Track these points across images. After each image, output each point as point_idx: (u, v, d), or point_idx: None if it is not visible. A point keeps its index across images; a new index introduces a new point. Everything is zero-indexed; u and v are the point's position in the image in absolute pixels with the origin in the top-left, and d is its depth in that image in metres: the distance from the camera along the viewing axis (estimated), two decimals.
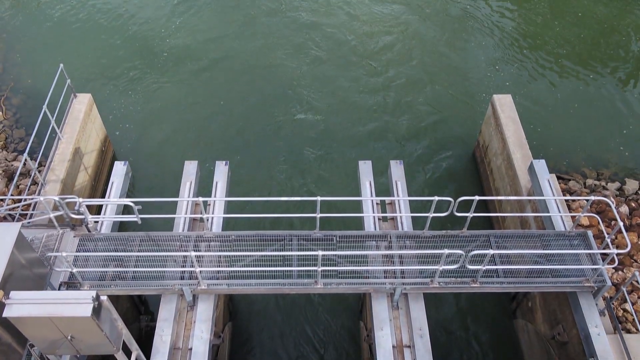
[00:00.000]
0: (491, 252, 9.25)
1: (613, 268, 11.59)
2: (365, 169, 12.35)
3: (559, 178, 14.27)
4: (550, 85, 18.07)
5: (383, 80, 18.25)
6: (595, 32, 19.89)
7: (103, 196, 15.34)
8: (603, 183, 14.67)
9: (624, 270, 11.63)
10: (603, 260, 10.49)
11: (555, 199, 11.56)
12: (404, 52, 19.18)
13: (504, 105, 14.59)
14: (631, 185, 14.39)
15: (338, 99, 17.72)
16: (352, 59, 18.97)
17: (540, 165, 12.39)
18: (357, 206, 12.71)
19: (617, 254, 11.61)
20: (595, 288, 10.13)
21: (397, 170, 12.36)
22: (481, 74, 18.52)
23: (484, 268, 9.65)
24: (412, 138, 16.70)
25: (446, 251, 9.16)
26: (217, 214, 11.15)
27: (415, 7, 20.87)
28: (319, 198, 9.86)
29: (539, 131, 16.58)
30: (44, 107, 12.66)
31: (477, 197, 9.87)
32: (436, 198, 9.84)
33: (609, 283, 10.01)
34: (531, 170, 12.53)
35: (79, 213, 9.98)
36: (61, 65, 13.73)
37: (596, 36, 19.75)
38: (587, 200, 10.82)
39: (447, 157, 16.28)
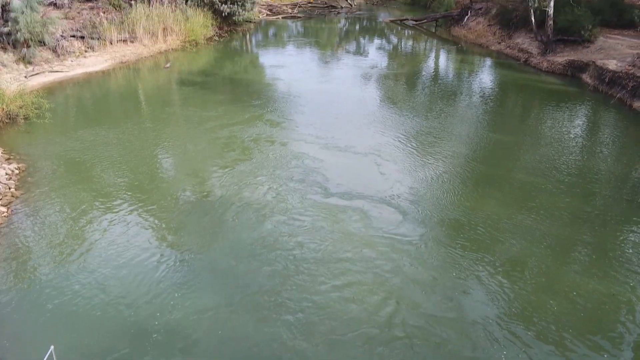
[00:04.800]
0: None
1: None
2: None
3: None
4: None
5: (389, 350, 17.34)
6: (594, 309, 19.84)
7: None
8: None
9: None
10: None
11: None
12: (404, 330, 18.74)
13: None
14: None
15: None
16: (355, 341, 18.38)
17: None
18: None
19: None
20: None
21: None
22: (485, 354, 17.73)
23: None
24: None
25: None
26: None
27: (398, 277, 21.22)
28: None
29: None
30: None
31: None
32: None
33: None
34: None
35: None
36: (52, 347, 12.96)
37: (597, 313, 19.63)
38: None
39: None
